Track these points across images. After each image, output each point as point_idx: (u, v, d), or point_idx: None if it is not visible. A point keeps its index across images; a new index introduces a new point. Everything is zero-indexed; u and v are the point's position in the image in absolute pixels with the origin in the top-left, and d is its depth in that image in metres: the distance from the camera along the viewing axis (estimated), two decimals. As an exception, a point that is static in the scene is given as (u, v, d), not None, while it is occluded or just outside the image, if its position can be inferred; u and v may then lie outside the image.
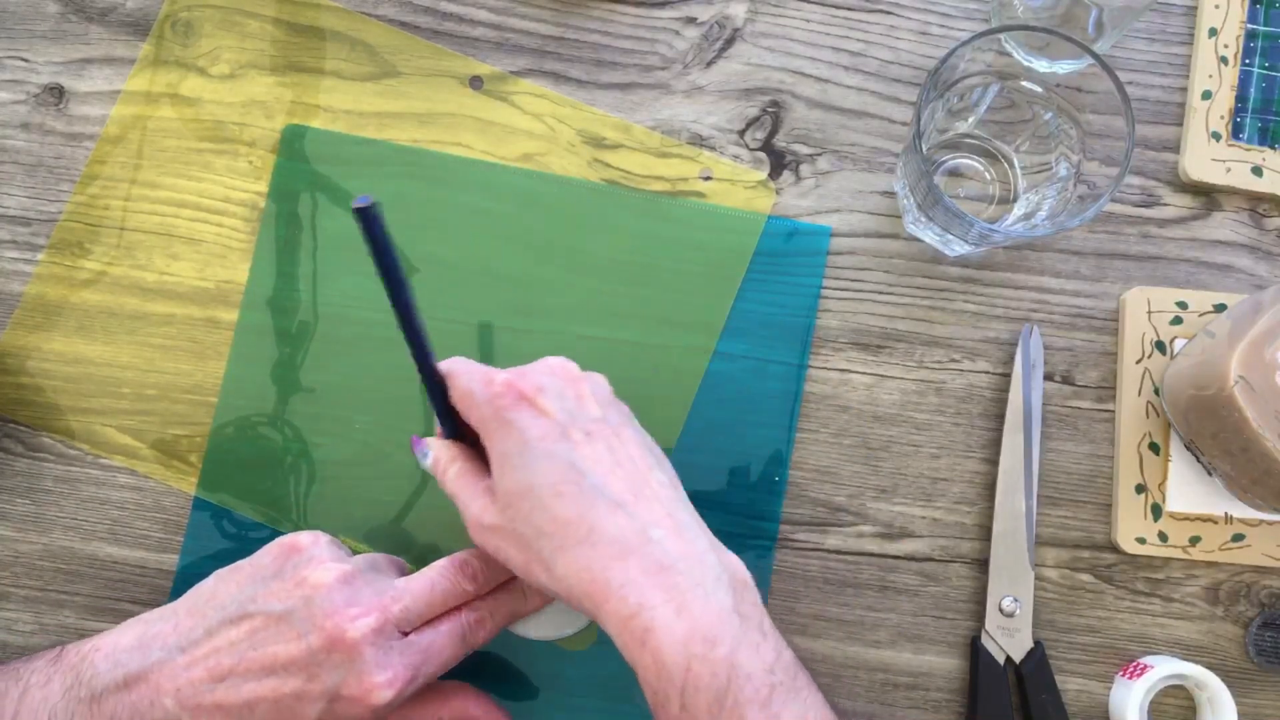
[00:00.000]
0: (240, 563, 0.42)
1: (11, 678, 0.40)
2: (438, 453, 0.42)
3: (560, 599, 0.38)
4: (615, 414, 0.40)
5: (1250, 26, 0.51)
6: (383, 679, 0.38)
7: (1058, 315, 0.51)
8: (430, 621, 0.41)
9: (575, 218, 0.51)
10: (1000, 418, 0.50)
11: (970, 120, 0.50)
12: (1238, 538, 0.48)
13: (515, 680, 0.48)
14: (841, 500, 0.50)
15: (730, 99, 0.52)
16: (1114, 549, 0.49)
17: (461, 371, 0.40)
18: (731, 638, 0.34)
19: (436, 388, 0.40)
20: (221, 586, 0.41)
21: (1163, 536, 0.48)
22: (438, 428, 0.42)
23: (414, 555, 0.49)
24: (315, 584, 0.39)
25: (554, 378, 0.39)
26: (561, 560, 0.36)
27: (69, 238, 0.51)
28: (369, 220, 0.34)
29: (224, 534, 0.49)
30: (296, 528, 0.49)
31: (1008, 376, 0.50)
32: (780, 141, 0.52)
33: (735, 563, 0.38)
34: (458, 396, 0.40)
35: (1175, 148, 0.52)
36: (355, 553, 0.44)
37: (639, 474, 0.38)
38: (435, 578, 0.41)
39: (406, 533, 0.49)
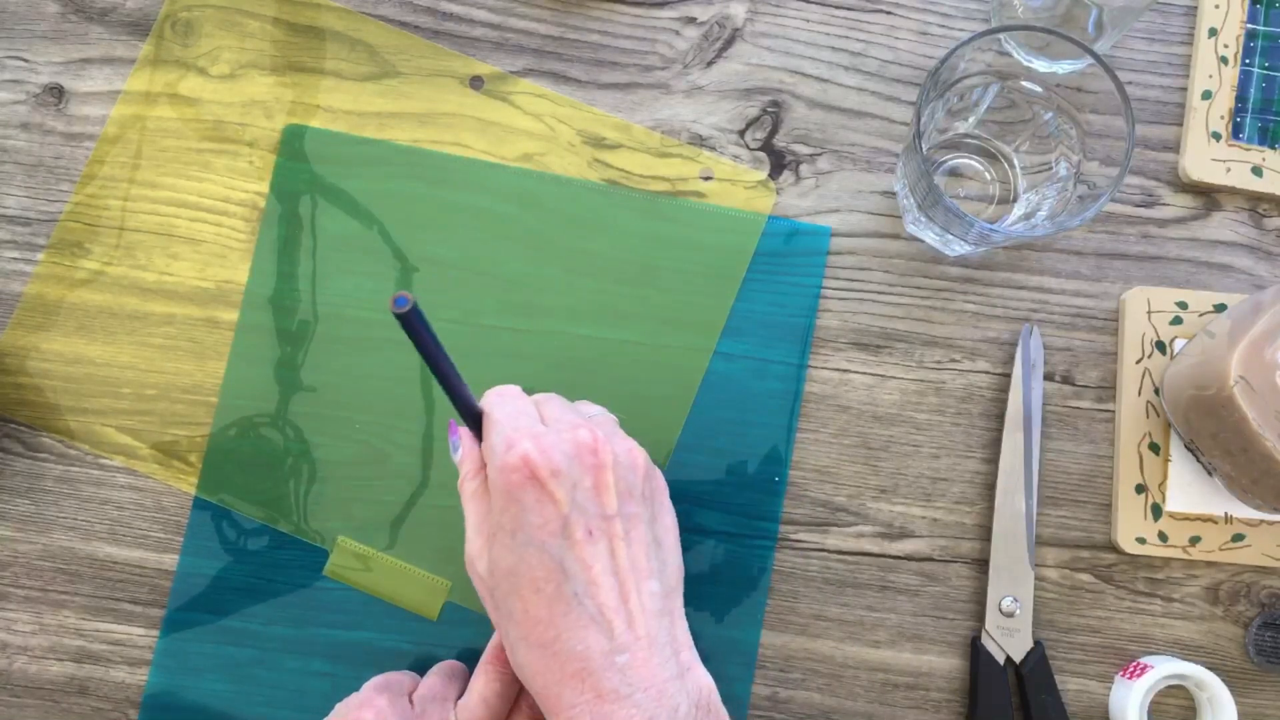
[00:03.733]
0: None
1: None
2: (466, 453, 0.40)
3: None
4: (635, 505, 0.38)
5: (1250, 26, 0.51)
6: None
7: (1058, 315, 0.51)
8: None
9: (575, 218, 0.51)
10: (1000, 418, 0.50)
11: (970, 120, 0.50)
12: (1238, 538, 0.48)
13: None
14: (841, 500, 0.50)
15: (730, 99, 0.52)
16: (1114, 549, 0.49)
17: (495, 418, 0.38)
18: None
19: (474, 422, 0.39)
20: None
21: (1163, 536, 0.48)
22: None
23: (414, 554, 0.49)
24: None
25: (576, 461, 0.37)
26: (522, 652, 0.36)
27: (68, 238, 0.51)
28: (412, 322, 0.33)
29: (224, 534, 0.49)
30: (297, 528, 0.49)
31: (1008, 376, 0.50)
32: (780, 141, 0.52)
33: (702, 688, 0.37)
34: (485, 444, 0.39)
35: (1175, 148, 0.52)
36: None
37: (631, 583, 0.37)
38: (483, 688, 0.41)
39: (406, 533, 0.49)
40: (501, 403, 0.39)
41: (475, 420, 0.39)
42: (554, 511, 0.36)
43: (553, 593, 0.36)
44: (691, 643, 0.39)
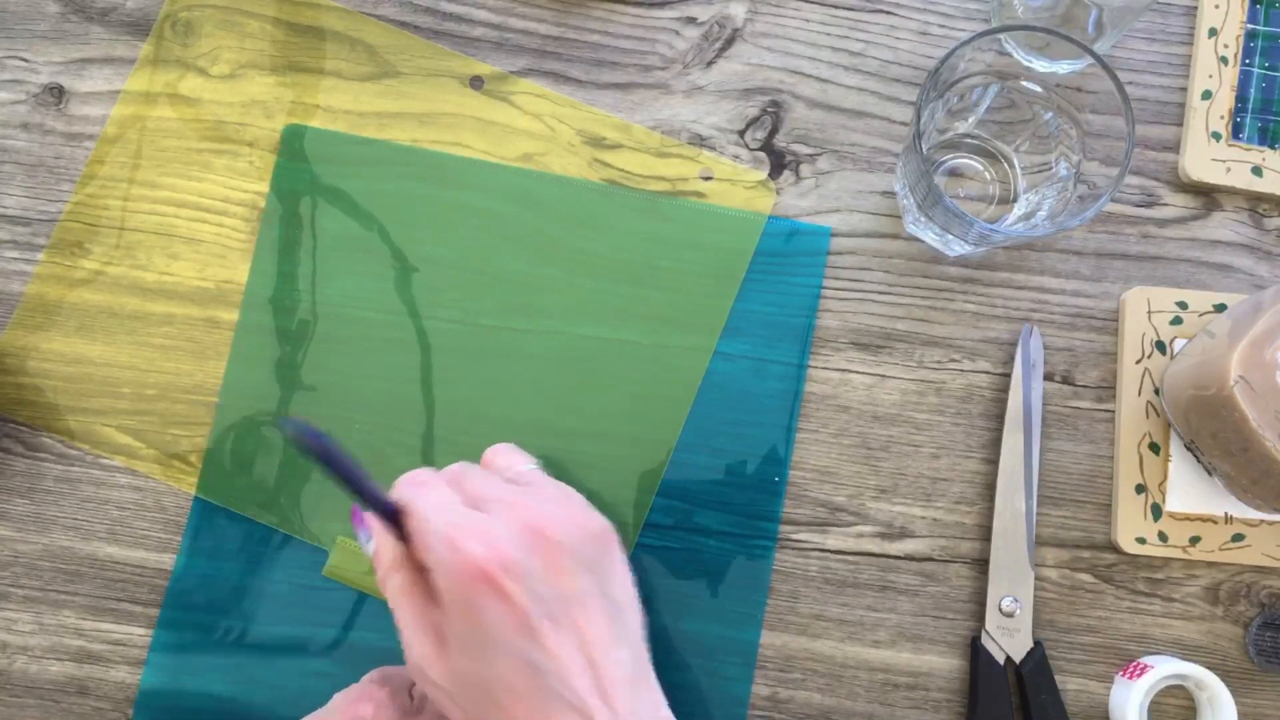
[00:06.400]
0: None
1: None
2: (380, 546, 0.37)
3: None
4: (588, 575, 0.36)
5: (1250, 26, 0.51)
6: None
7: (1058, 315, 0.51)
8: None
9: (575, 218, 0.51)
10: (1000, 418, 0.50)
11: (970, 120, 0.50)
12: (1238, 538, 0.48)
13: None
14: (841, 500, 0.50)
15: (730, 99, 0.52)
16: (1114, 549, 0.49)
17: (420, 514, 0.35)
18: None
19: (387, 514, 0.36)
20: None
21: (1163, 536, 0.48)
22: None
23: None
24: None
25: (529, 552, 0.35)
26: None
27: (69, 238, 0.51)
28: (317, 449, 0.31)
29: (224, 534, 0.49)
30: (297, 528, 0.49)
31: (1008, 376, 0.50)
32: (780, 141, 0.52)
33: None
34: (415, 544, 0.35)
35: (1175, 148, 0.52)
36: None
37: (600, 659, 0.35)
38: None
39: (406, 533, 0.49)
40: (420, 494, 0.36)
41: (388, 513, 0.36)
42: (514, 610, 0.34)
43: (530, 692, 0.34)
44: (664, 700, 0.38)
